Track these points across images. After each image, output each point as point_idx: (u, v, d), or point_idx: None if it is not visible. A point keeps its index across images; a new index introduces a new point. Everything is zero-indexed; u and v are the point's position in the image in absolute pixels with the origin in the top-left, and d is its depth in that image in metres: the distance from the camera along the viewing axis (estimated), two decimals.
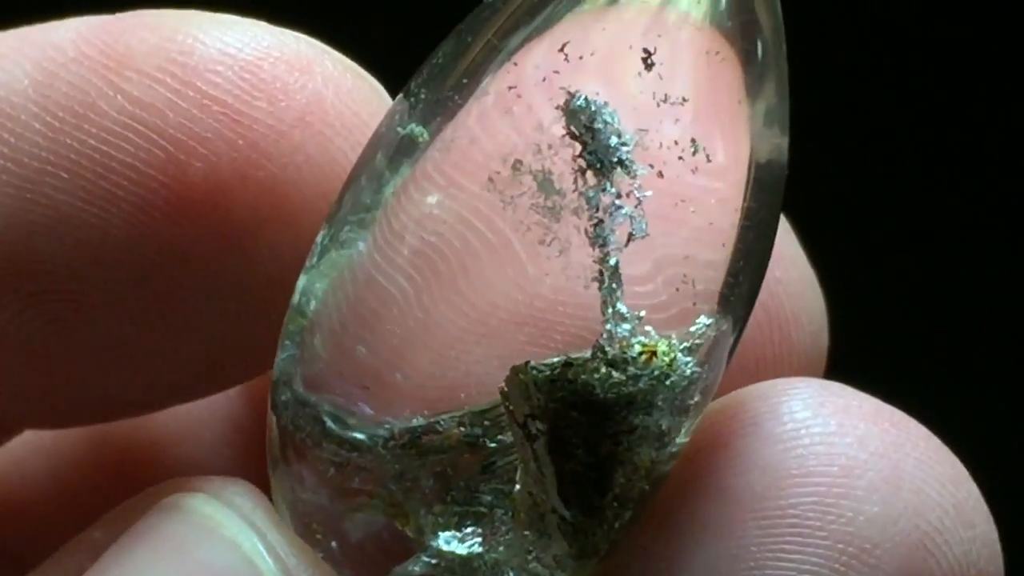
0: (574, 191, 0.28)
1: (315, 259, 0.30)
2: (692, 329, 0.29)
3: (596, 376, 0.28)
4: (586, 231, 0.28)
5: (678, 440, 0.29)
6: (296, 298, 0.30)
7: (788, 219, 0.33)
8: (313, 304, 0.30)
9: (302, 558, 0.30)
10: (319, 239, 0.30)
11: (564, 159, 0.28)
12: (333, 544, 0.30)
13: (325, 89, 0.31)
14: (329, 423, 0.29)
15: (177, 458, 0.38)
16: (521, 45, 0.29)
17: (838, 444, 0.29)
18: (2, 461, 0.37)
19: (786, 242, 0.34)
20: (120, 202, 0.30)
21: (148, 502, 0.30)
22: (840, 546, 0.29)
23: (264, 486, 0.31)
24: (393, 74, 0.32)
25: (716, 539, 0.29)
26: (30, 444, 0.37)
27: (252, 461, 0.38)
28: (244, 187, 0.30)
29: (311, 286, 0.30)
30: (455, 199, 0.29)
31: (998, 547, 0.30)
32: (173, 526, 0.29)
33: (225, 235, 0.30)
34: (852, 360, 0.34)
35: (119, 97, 0.30)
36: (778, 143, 0.29)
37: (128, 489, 0.37)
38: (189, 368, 0.32)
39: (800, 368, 0.34)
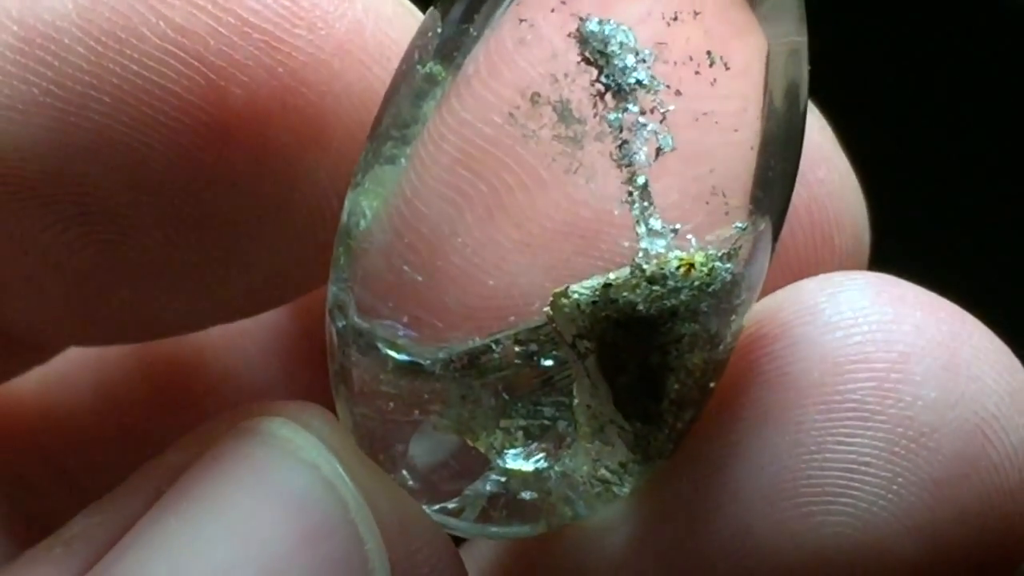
0: (595, 116, 0.28)
1: (360, 175, 0.30)
2: (728, 235, 0.29)
3: (637, 292, 0.28)
4: (611, 154, 0.28)
5: (728, 339, 0.30)
6: (344, 218, 0.30)
7: (827, 119, 0.33)
8: (362, 225, 0.30)
9: (378, 481, 0.30)
10: (363, 155, 0.30)
11: (582, 86, 0.28)
12: (404, 472, 0.31)
13: (365, 17, 0.31)
14: (386, 350, 0.30)
15: (222, 367, 0.39)
16: None
17: (896, 331, 0.30)
18: (48, 373, 0.37)
19: (826, 144, 0.34)
20: (161, 127, 0.30)
21: (224, 426, 0.31)
22: (900, 430, 0.29)
23: (310, 396, 0.32)
24: (433, 1, 0.31)
25: (777, 425, 0.30)
26: (75, 356, 0.38)
27: (297, 370, 0.39)
28: (283, 114, 0.31)
29: (358, 204, 0.30)
30: (479, 136, 0.29)
31: None
32: (252, 449, 0.30)
33: (265, 161, 0.31)
34: (892, 260, 0.34)
35: (161, 23, 0.30)
36: (795, 39, 0.29)
37: (173, 399, 0.38)
38: (231, 290, 0.33)
39: (842, 269, 0.34)
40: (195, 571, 0.29)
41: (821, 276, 0.31)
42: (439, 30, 0.29)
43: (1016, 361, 0.30)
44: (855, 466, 0.29)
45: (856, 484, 0.29)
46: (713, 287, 0.29)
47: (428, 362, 0.30)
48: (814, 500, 0.29)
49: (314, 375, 0.39)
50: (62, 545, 0.30)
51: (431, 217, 0.29)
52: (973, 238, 0.73)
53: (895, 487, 0.29)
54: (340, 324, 0.30)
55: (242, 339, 0.39)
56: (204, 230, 0.31)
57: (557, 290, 0.29)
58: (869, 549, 0.29)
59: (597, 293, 0.29)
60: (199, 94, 0.30)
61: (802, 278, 0.31)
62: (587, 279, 0.29)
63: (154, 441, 0.38)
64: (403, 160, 0.29)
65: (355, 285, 0.30)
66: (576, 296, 0.29)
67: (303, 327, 0.40)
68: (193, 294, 0.33)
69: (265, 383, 0.39)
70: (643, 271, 0.28)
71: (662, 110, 0.28)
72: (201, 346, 0.39)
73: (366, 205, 0.30)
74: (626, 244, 0.29)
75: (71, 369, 0.38)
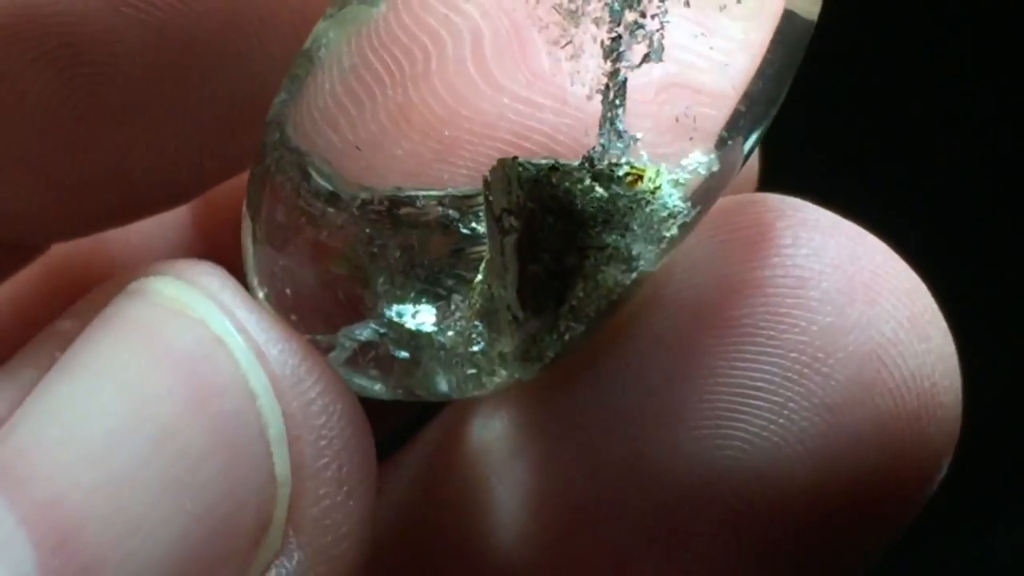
0: (600, 1, 0.28)
1: (335, 8, 0.29)
2: (684, 163, 0.29)
3: (579, 186, 0.28)
4: (602, 42, 0.28)
5: (644, 268, 0.29)
6: (308, 43, 0.30)
7: None
8: (322, 53, 0.29)
9: (273, 334, 0.30)
10: None
11: None
12: (288, 291, 0.30)
13: None
14: (312, 174, 0.29)
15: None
16: None
17: (794, 255, 0.30)
18: None
19: None
20: None
21: (114, 289, 0.30)
22: (793, 355, 0.29)
23: None
24: None
25: (672, 349, 0.30)
26: None
27: None
28: None
29: (325, 33, 0.29)
30: None
31: (954, 361, 0.30)
32: (138, 310, 0.29)
33: None
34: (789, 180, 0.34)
35: None
36: (810, 5, 0.29)
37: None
38: (204, 127, 0.32)
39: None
40: (89, 435, 0.28)
41: (721, 199, 0.30)
42: None
43: (919, 284, 0.30)
44: (747, 391, 0.29)
45: (748, 408, 0.29)
46: (652, 207, 0.29)
47: (347, 196, 0.29)
48: (706, 424, 0.29)
49: None
50: None
51: (399, 56, 0.29)
52: (882, 147, 0.73)
53: (786, 412, 0.29)
54: (274, 137, 0.30)
55: (151, 255, 0.39)
56: (184, 52, 0.30)
57: (505, 158, 0.28)
58: (761, 473, 0.29)
59: (541, 173, 0.28)
60: None
61: None
62: (539, 159, 0.28)
63: None
64: (382, 5, 0.29)
65: (301, 105, 0.29)
66: (521, 169, 0.28)
67: (212, 244, 0.39)
68: (172, 137, 0.32)
69: None
70: (592, 166, 0.28)
71: (663, 19, 0.28)
72: (111, 262, 0.38)
73: (333, 36, 0.29)
74: (585, 139, 0.28)
75: None
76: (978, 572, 0.71)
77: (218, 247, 0.39)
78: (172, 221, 0.39)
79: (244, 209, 0.30)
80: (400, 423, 0.38)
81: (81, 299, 0.31)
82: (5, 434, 0.28)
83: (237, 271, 0.31)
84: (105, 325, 0.29)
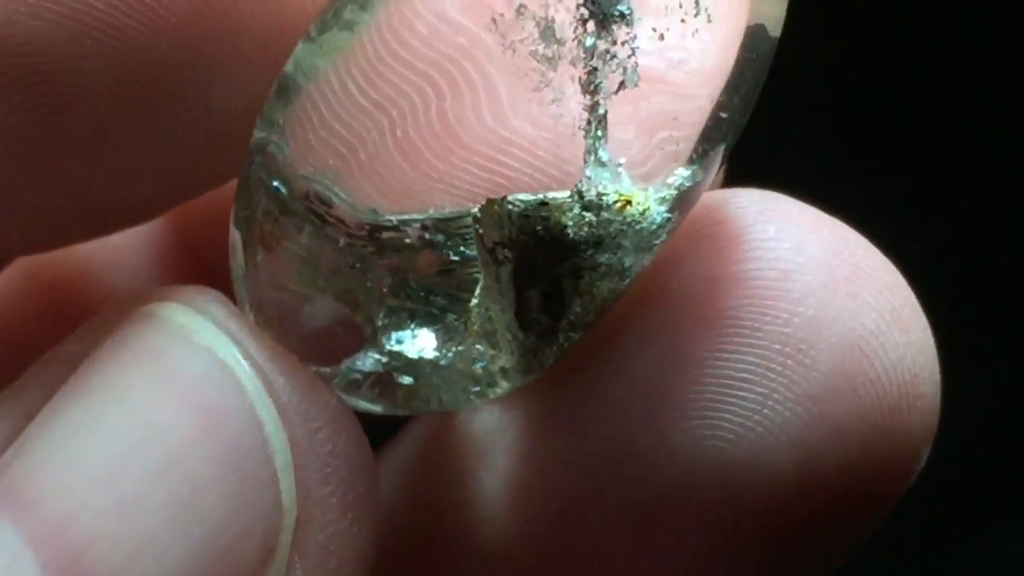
0: (574, 40, 0.28)
1: (315, 33, 0.29)
2: (669, 181, 0.29)
3: (569, 216, 0.29)
4: (579, 78, 0.29)
5: (643, 266, 0.30)
6: (289, 68, 0.29)
7: None
8: (304, 82, 0.29)
9: (278, 362, 0.30)
10: (322, 15, 0.29)
11: (568, 7, 0.28)
12: (283, 321, 0.30)
13: None
14: (296, 203, 0.30)
15: (107, 283, 0.39)
16: None
17: (776, 249, 0.30)
18: None
19: None
20: None
21: (122, 313, 0.30)
22: (776, 347, 0.30)
23: None
24: None
25: (658, 341, 0.30)
26: None
27: (180, 282, 0.39)
28: None
29: (307, 60, 0.29)
30: (452, 37, 0.29)
31: (934, 354, 0.31)
32: (148, 336, 0.29)
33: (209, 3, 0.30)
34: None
35: None
36: (776, 13, 0.30)
37: (60, 317, 0.37)
38: (172, 156, 0.32)
39: None
40: (98, 459, 0.28)
41: (706, 194, 0.31)
42: None
43: (900, 279, 0.31)
44: (731, 382, 0.30)
45: (731, 399, 0.30)
46: (642, 227, 0.29)
47: (330, 224, 0.30)
48: (690, 414, 0.30)
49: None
50: None
51: (378, 98, 0.29)
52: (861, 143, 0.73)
53: (770, 403, 0.30)
54: (257, 167, 0.30)
55: (123, 253, 0.39)
56: (147, 79, 0.30)
57: (494, 198, 0.29)
58: (745, 463, 0.30)
59: (531, 208, 0.29)
60: None
61: None
62: (526, 195, 0.29)
63: None
64: (362, 30, 0.29)
65: (281, 136, 0.29)
66: (511, 207, 0.29)
67: (185, 241, 0.39)
68: (137, 161, 0.32)
69: None
70: (582, 197, 0.29)
71: (633, 45, 0.29)
72: (85, 262, 0.39)
73: (317, 63, 0.29)
74: (572, 171, 0.29)
75: None
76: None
77: (195, 244, 0.39)
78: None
79: (232, 239, 0.31)
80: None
81: (86, 322, 0.31)
82: (13, 456, 0.28)
83: (217, 272, 0.32)
84: (114, 349, 0.29)
